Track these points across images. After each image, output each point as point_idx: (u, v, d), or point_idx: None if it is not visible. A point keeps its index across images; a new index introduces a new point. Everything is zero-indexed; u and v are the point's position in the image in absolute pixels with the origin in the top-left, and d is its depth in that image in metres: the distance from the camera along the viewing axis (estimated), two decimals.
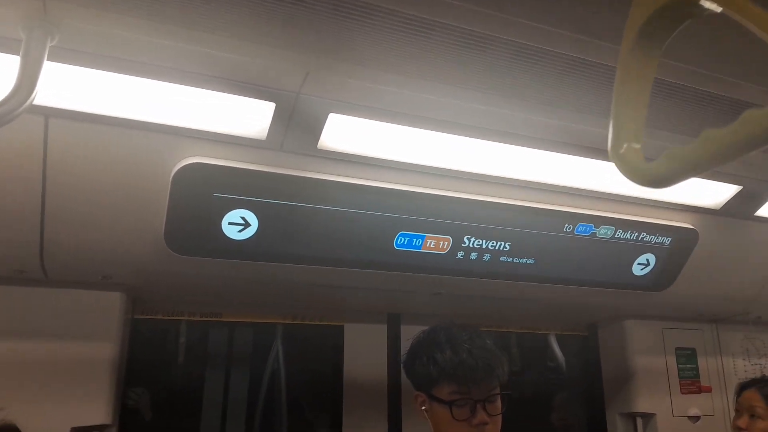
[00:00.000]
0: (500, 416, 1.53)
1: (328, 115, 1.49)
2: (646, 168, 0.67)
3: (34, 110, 1.36)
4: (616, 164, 0.70)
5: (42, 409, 1.80)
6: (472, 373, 1.47)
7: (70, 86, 1.33)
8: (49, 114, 1.39)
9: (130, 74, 1.29)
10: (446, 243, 1.97)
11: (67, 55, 1.21)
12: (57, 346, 1.87)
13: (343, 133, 1.58)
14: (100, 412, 1.89)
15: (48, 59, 1.13)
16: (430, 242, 1.95)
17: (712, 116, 1.52)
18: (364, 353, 2.55)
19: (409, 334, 1.72)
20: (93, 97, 1.37)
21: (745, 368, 3.12)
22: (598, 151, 1.75)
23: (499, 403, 1.53)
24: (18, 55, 1.09)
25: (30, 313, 1.86)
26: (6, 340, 1.82)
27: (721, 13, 0.61)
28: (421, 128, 1.57)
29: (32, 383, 1.82)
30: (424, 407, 1.57)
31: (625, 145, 0.69)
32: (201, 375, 2.77)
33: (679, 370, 2.92)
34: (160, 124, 1.46)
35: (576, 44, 1.24)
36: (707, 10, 0.64)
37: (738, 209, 2.21)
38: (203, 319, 2.37)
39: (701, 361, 3.00)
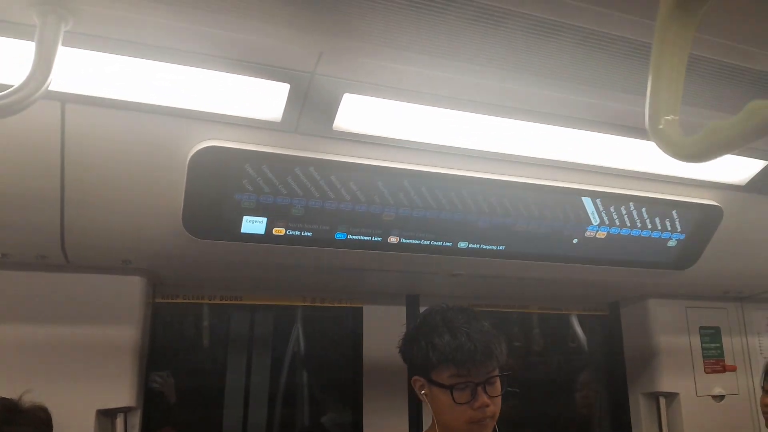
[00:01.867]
0: (500, 397, 1.53)
1: (342, 95, 1.48)
2: (685, 142, 0.65)
3: (51, 96, 1.36)
4: (655, 139, 0.68)
5: (68, 393, 1.84)
6: (471, 356, 1.48)
7: (86, 71, 1.32)
8: (66, 100, 1.40)
9: (144, 58, 1.28)
10: None
11: (81, 39, 1.21)
12: (80, 331, 1.90)
13: (358, 113, 1.56)
14: (125, 394, 1.92)
15: (63, 44, 1.13)
16: None
17: (750, 92, 1.47)
18: (384, 335, 2.54)
19: None
20: (108, 82, 1.36)
21: None
22: (620, 128, 1.71)
23: (498, 385, 1.53)
24: (32, 41, 1.09)
25: (53, 298, 1.89)
26: (30, 325, 1.85)
27: None
28: (436, 107, 1.55)
29: (58, 367, 1.85)
30: (423, 391, 1.58)
31: (663, 119, 0.67)
32: (222, 358, 2.81)
33: (703, 349, 2.89)
34: (175, 108, 1.45)
35: (596, 17, 1.20)
36: None
37: (764, 185, 2.15)
38: (223, 302, 2.39)
39: (726, 340, 2.96)
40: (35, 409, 1.67)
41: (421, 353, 1.55)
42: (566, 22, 1.22)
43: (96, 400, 1.87)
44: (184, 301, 2.32)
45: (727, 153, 0.61)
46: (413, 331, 1.63)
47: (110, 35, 1.22)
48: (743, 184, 2.14)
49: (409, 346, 1.62)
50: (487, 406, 1.49)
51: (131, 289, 1.98)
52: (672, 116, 0.66)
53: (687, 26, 0.68)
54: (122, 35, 1.22)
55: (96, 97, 1.39)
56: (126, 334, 1.95)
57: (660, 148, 0.68)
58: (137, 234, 1.74)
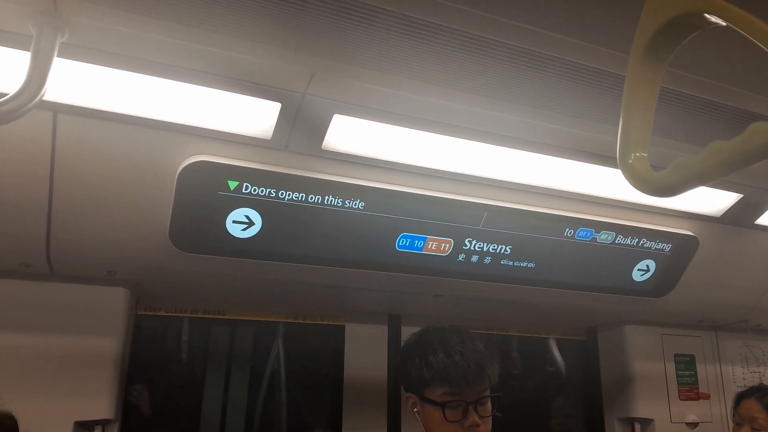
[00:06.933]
0: (491, 418, 1.54)
1: (332, 116, 1.51)
2: (653, 177, 0.68)
3: (43, 106, 1.37)
4: (624, 173, 0.71)
5: (45, 404, 1.82)
6: (464, 375, 1.49)
7: (79, 83, 1.35)
8: (58, 110, 1.41)
9: (138, 72, 1.31)
10: (448, 245, 1.98)
11: (77, 51, 1.23)
12: (61, 341, 1.88)
13: (348, 134, 1.60)
14: (103, 407, 1.91)
15: (58, 56, 1.15)
16: (432, 244, 1.96)
17: (717, 126, 1.53)
18: (365, 354, 2.56)
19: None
20: (101, 94, 1.39)
21: (743, 376, 3.13)
22: (599, 157, 1.76)
23: (489, 405, 1.54)
24: (28, 51, 1.11)
25: (34, 308, 1.87)
26: (10, 334, 1.83)
27: (726, 27, 0.63)
28: (423, 131, 1.59)
29: (36, 377, 1.84)
30: (416, 409, 1.58)
31: (633, 155, 0.71)
32: (202, 372, 2.79)
33: (677, 376, 2.93)
34: (167, 122, 1.48)
35: (578, 50, 1.25)
36: (713, 23, 0.65)
37: (738, 217, 2.22)
38: (206, 316, 2.38)
39: (700, 368, 3.01)
40: (1, 417, 1.64)
41: (415, 370, 1.55)
42: (548, 54, 1.27)
43: (74, 412, 1.85)
44: (167, 314, 2.32)
45: (692, 188, 0.64)
46: (408, 349, 1.63)
47: (106, 48, 1.24)
48: (719, 215, 2.20)
49: (403, 363, 1.62)
50: (478, 425, 1.49)
51: (115, 300, 1.97)
52: (641, 152, 0.70)
53: (658, 68, 0.72)
54: (118, 49, 1.25)
55: (88, 108, 1.41)
56: (108, 345, 1.94)
57: (629, 182, 0.71)
58: (123, 245, 1.75)
